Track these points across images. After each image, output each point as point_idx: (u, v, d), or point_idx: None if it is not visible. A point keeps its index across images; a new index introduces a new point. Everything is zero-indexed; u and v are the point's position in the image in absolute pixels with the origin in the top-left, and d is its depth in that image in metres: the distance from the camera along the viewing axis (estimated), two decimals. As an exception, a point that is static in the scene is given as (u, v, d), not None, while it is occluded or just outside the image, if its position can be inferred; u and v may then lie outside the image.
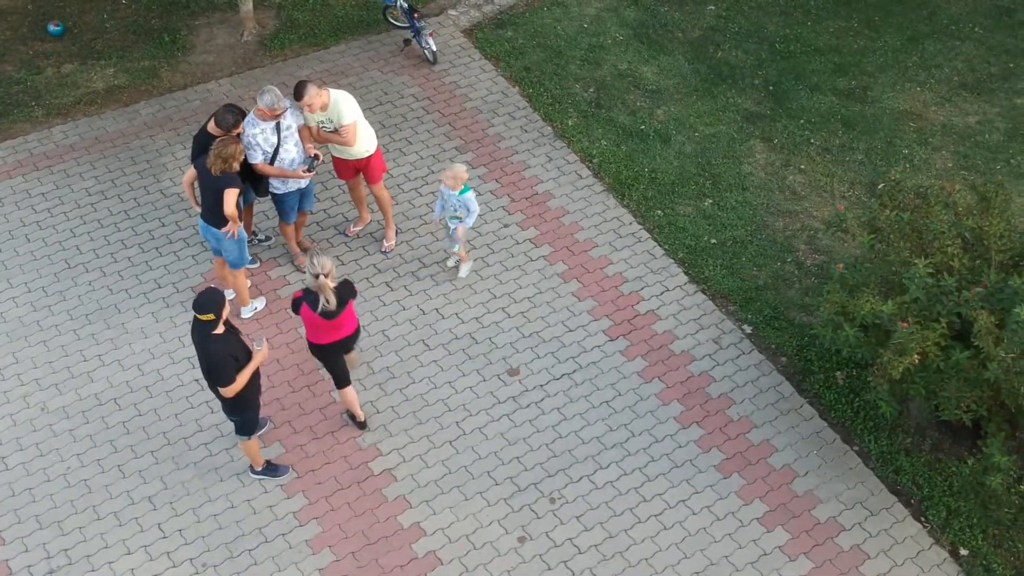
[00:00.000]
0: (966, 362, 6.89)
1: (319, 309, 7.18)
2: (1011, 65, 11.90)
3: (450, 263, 9.33)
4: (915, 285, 7.04)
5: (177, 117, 10.89)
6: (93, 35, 12.12)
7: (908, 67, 11.87)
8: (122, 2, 12.57)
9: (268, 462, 7.74)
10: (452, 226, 8.81)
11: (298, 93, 8.26)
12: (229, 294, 8.75)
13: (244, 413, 7.23)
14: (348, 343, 7.64)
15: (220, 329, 6.84)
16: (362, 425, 8.01)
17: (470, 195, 8.66)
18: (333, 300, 7.16)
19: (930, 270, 7.08)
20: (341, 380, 7.71)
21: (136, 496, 7.67)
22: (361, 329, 8.23)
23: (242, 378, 6.92)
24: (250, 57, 11.78)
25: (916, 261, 7.09)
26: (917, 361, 6.94)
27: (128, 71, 11.55)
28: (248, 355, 7.03)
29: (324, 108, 8.37)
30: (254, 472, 7.70)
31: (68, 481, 7.75)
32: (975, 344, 6.88)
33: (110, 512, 7.57)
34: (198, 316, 6.78)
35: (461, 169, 8.58)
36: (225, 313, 6.83)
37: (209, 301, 6.76)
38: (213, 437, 8.04)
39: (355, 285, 7.60)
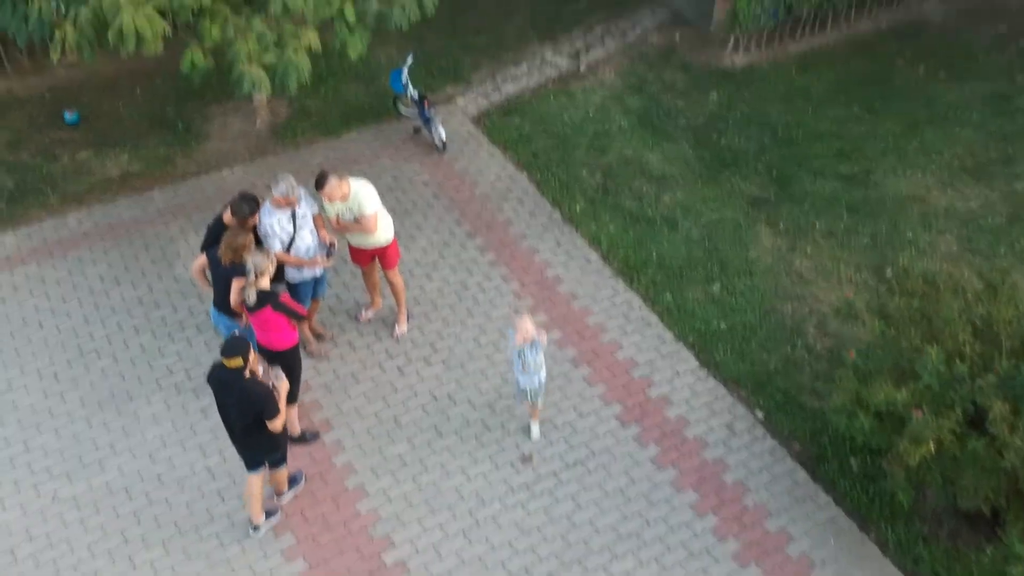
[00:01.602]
0: (982, 450, 6.89)
1: (247, 303, 7.75)
2: (1010, 150, 12.12)
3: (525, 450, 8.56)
4: (928, 372, 7.08)
5: (191, 204, 11.04)
6: (109, 123, 12.36)
7: (909, 152, 12.09)
8: (137, 91, 12.85)
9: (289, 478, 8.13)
10: (524, 384, 8.18)
11: (319, 184, 8.41)
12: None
13: (284, 443, 7.69)
14: (278, 359, 7.89)
15: (248, 373, 7.16)
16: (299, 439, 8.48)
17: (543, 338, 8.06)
18: (253, 296, 7.68)
19: (942, 358, 7.12)
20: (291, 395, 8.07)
21: (146, 588, 7.58)
22: (295, 357, 8.22)
23: (283, 408, 7.35)
24: (263, 145, 12.00)
25: (928, 348, 7.14)
26: (933, 449, 6.93)
27: (143, 158, 11.76)
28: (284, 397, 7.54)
29: (344, 198, 8.52)
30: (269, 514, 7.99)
31: (79, 572, 7.65)
32: (990, 432, 6.89)
33: (119, 605, 7.47)
34: (226, 362, 7.07)
35: (525, 321, 7.91)
36: (252, 359, 7.16)
37: (237, 346, 7.10)
38: (224, 527, 7.97)
39: (285, 306, 7.87)
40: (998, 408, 6.83)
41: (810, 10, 13.68)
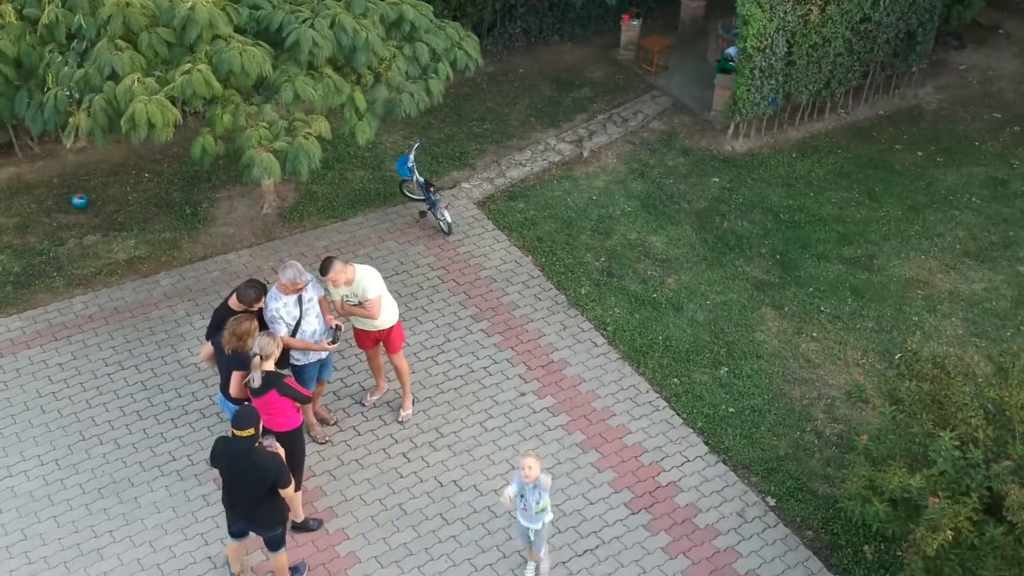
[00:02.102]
0: (1001, 538, 6.76)
1: (247, 383, 7.75)
2: (1011, 234, 12.23)
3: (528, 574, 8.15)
4: (943, 458, 6.99)
5: (196, 288, 11.06)
6: (116, 207, 12.46)
7: (911, 236, 12.19)
8: (145, 175, 13.00)
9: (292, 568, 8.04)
10: (526, 524, 7.69)
11: (324, 269, 8.43)
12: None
13: (286, 519, 7.66)
14: (281, 441, 7.73)
15: (259, 444, 7.29)
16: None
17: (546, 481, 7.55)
18: (258, 379, 7.70)
19: (956, 443, 7.05)
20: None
21: None
22: (298, 440, 8.17)
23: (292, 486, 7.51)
24: (269, 229, 12.09)
25: (941, 434, 7.07)
26: (951, 537, 6.81)
27: (149, 242, 11.82)
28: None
29: (349, 283, 8.53)
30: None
31: (72, 668, 7.44)
32: (1009, 519, 6.77)
33: None
34: (238, 433, 7.13)
35: (532, 460, 7.39)
36: (260, 429, 7.29)
37: (248, 417, 7.22)
38: (225, 619, 7.77)
39: (290, 388, 7.87)
40: (1015, 495, 6.73)
41: (809, 97, 13.96)
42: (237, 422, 7.17)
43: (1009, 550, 6.73)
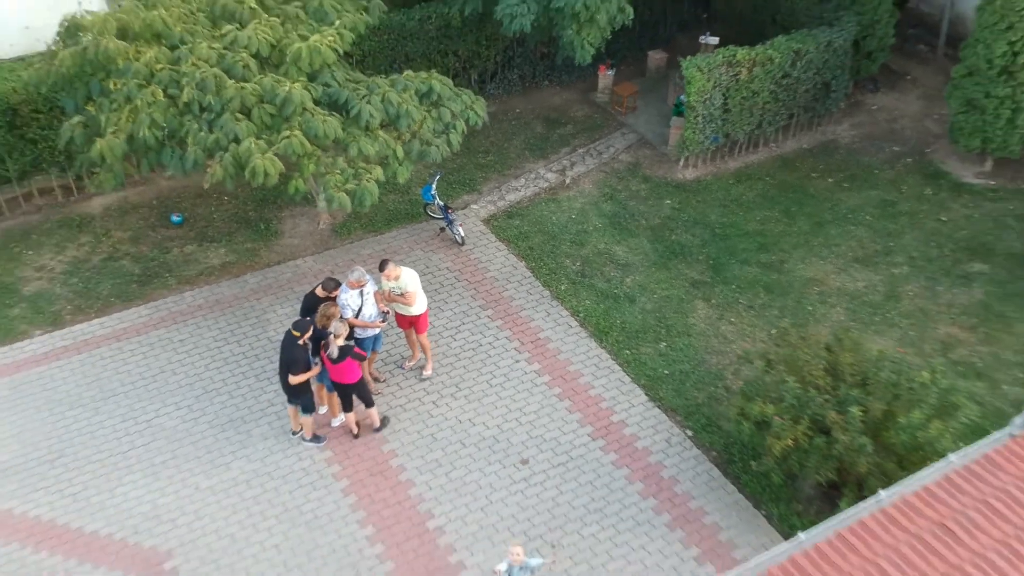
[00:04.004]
0: (822, 444, 10.55)
1: (328, 354, 11.48)
2: (891, 244, 16.00)
3: None
4: (788, 395, 10.79)
5: (275, 285, 14.86)
6: (205, 224, 16.26)
7: (814, 246, 15.96)
8: (224, 199, 16.79)
9: (315, 435, 12.18)
10: None
11: (382, 267, 12.24)
12: (322, 410, 12.49)
13: (302, 397, 11.81)
14: (351, 389, 11.80)
15: (302, 341, 11.20)
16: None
17: (536, 562, 9.73)
18: (336, 351, 11.45)
19: (798, 386, 10.83)
20: (346, 406, 12.14)
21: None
22: (365, 383, 12.10)
23: (301, 377, 11.46)
24: (325, 240, 15.88)
25: (788, 379, 10.86)
26: (792, 444, 10.60)
27: (235, 251, 15.62)
28: (309, 366, 11.61)
29: (397, 279, 12.32)
30: (304, 440, 12.22)
31: (219, 537, 11.21)
32: (829, 433, 10.56)
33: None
34: (294, 332, 11.24)
35: (518, 548, 9.56)
36: (307, 335, 11.37)
37: (302, 325, 11.43)
38: (315, 507, 11.53)
39: (356, 354, 11.68)
40: (831, 417, 10.52)
41: (744, 135, 17.74)
42: (295, 325, 11.31)
43: (825, 451, 10.52)
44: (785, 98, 17.63)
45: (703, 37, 19.79)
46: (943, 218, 16.53)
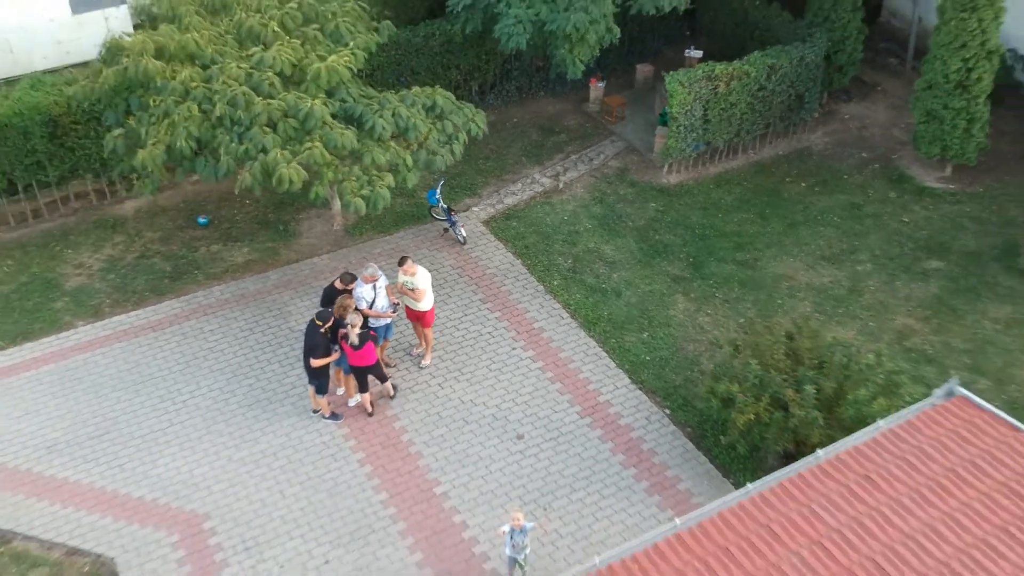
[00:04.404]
0: (781, 419, 12.06)
1: (349, 342, 12.96)
2: (856, 243, 17.51)
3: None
4: (752, 376, 12.30)
5: (295, 281, 16.37)
6: (229, 225, 17.77)
7: (786, 245, 17.47)
8: (246, 202, 18.30)
9: (333, 412, 13.59)
10: (512, 555, 11.24)
11: (401, 262, 13.79)
12: (340, 391, 14.01)
13: (320, 379, 13.35)
14: (368, 371, 13.35)
15: (324, 329, 12.79)
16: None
17: (529, 525, 11.13)
18: (356, 339, 13.01)
19: (761, 368, 12.33)
20: (362, 388, 13.63)
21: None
22: (380, 364, 13.66)
23: (321, 361, 13.05)
24: (339, 240, 17.39)
25: (751, 362, 12.37)
26: (754, 418, 12.10)
27: (257, 250, 17.13)
28: (328, 352, 13.11)
29: (412, 275, 13.82)
30: (324, 417, 13.71)
31: (251, 503, 12.72)
32: (786, 409, 12.07)
33: (277, 517, 12.54)
34: (317, 321, 12.80)
35: (519, 513, 10.95)
36: (328, 325, 12.83)
37: (324, 316, 13.04)
38: (336, 476, 13.04)
39: (373, 339, 13.27)
40: (789, 395, 12.03)
41: (724, 143, 19.25)
42: (317, 314, 12.87)
43: (783, 424, 12.03)
44: (761, 109, 19.13)
45: (688, 51, 21.38)
46: (905, 219, 18.05)
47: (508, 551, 11.36)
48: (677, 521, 8.74)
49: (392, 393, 13.99)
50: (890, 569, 8.06)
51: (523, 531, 11.20)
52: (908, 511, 8.64)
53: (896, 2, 23.17)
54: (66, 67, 22.54)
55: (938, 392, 10.08)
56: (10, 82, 21.84)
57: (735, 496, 8.97)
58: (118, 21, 22.95)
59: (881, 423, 9.73)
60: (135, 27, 22.01)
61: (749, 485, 9.07)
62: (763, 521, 8.63)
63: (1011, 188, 18.80)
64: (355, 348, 13.04)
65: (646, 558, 8.37)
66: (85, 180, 18.14)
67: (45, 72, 22.07)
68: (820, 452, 9.43)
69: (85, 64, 22.78)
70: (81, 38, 22.70)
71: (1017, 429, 9.43)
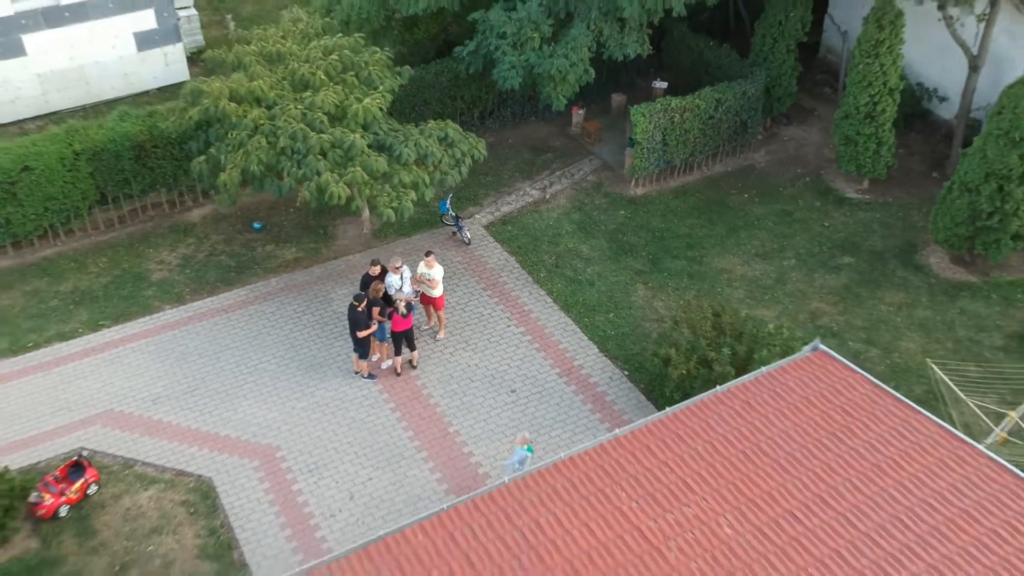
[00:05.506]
0: (705, 373, 16.29)
1: (399, 312, 17.05)
2: (785, 243, 21.73)
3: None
4: (685, 342, 16.53)
5: (335, 274, 20.61)
6: (278, 229, 22.01)
7: (728, 245, 21.70)
8: (291, 211, 22.53)
9: (370, 373, 17.50)
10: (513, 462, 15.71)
11: (427, 254, 18.07)
12: (375, 357, 18.27)
13: (362, 348, 17.40)
14: (404, 335, 17.44)
15: (360, 308, 16.80)
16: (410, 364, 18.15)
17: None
18: (404, 310, 17.11)
19: (692, 336, 16.56)
20: (397, 351, 17.62)
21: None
22: (413, 332, 17.80)
23: (365, 332, 17.12)
24: (368, 241, 21.62)
25: (684, 331, 16.61)
26: (685, 372, 16.33)
27: (303, 249, 21.36)
28: (367, 325, 17.03)
29: (432, 267, 18.06)
30: (363, 376, 17.62)
31: (307, 456, 16.94)
32: (712, 367, 16.31)
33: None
34: (355, 303, 16.78)
35: (526, 435, 15.40)
36: (363, 305, 16.85)
37: (359, 297, 16.91)
38: (377, 428, 17.26)
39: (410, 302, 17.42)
40: (712, 356, 16.27)
41: (681, 161, 23.47)
42: (355, 296, 16.90)
43: (707, 377, 16.27)
44: (711, 134, 23.35)
45: (655, 82, 25.63)
46: (826, 224, 22.28)
47: (510, 462, 15.65)
48: (617, 431, 12.96)
49: (415, 362, 18.19)
50: (754, 458, 12.26)
51: (525, 456, 15.42)
52: (771, 423, 12.84)
53: (831, 40, 27.39)
54: (129, 96, 26.87)
55: (806, 348, 14.31)
56: (85, 108, 26.17)
57: (654, 417, 13.18)
58: (174, 57, 27.23)
59: (763, 369, 13.96)
60: (206, 73, 26.29)
61: (666, 409, 13.29)
62: (673, 429, 12.85)
63: (915, 199, 23.03)
64: (403, 316, 17.25)
65: (594, 452, 12.59)
66: (160, 192, 22.34)
67: (111, 100, 26.43)
68: (719, 388, 13.65)
69: (145, 93, 27.20)
70: (143, 72, 26.99)
71: (855, 371, 13.65)
